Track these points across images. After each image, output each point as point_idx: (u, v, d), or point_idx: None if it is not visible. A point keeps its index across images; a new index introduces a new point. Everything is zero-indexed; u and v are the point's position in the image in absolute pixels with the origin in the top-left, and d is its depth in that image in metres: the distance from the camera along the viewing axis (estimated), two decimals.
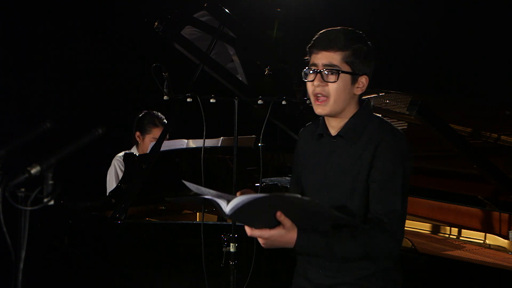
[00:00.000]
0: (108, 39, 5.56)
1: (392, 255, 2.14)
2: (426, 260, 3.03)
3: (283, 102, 3.31)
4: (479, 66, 4.93)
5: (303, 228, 2.01)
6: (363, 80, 2.19)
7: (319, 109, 2.19)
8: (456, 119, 3.50)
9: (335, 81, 2.14)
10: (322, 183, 2.21)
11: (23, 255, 1.60)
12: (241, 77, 4.13)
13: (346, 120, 2.21)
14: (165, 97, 3.42)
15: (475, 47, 4.97)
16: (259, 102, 3.37)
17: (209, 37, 3.89)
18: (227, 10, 3.91)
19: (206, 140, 3.30)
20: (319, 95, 2.17)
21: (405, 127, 3.82)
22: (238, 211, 1.88)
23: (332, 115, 2.21)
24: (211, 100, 3.37)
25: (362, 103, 2.24)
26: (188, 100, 3.38)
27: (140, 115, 4.47)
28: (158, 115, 4.44)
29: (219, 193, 1.94)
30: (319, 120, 2.30)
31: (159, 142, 3.77)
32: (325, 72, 2.14)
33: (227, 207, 1.89)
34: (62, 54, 5.45)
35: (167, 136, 4.07)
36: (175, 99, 3.46)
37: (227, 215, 1.91)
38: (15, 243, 1.62)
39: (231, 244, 3.19)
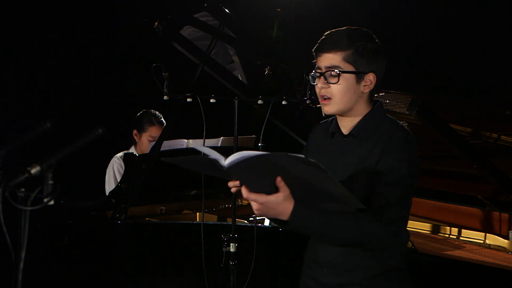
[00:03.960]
0: (108, 39, 5.56)
1: (383, 245, 2.11)
2: (424, 260, 3.03)
3: (283, 102, 3.31)
4: (479, 66, 4.93)
5: (300, 201, 1.96)
6: (370, 78, 2.19)
7: (325, 108, 2.21)
8: (456, 119, 3.49)
9: (337, 82, 2.16)
10: None
11: (23, 255, 1.60)
12: (241, 77, 4.13)
13: (358, 119, 2.22)
14: (165, 97, 3.42)
15: (475, 47, 4.97)
16: (259, 102, 3.37)
17: (209, 37, 3.89)
18: (227, 10, 3.91)
19: (206, 140, 3.30)
20: (324, 96, 2.19)
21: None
22: (238, 166, 1.81)
23: (341, 114, 2.22)
24: (211, 100, 3.37)
25: (375, 103, 2.25)
26: (188, 100, 3.39)
27: (139, 114, 4.51)
28: (155, 113, 4.47)
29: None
30: (333, 119, 2.31)
31: (159, 142, 3.77)
32: (328, 74, 2.16)
33: (226, 160, 1.82)
34: (62, 53, 5.45)
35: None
36: (175, 99, 3.46)
37: (225, 168, 1.84)
38: (15, 243, 1.61)
39: (231, 244, 3.19)
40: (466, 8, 5.00)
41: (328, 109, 2.20)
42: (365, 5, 5.21)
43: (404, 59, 5.19)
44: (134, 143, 4.50)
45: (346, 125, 2.24)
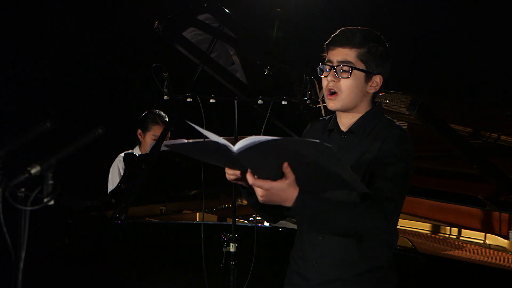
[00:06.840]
0: (108, 39, 5.56)
1: (380, 236, 2.12)
2: (424, 260, 3.03)
3: (283, 102, 3.31)
4: (479, 66, 4.94)
5: (304, 189, 1.94)
6: (377, 80, 2.21)
7: (330, 104, 2.21)
8: (456, 119, 3.50)
9: (348, 78, 2.17)
10: None
11: (23, 255, 1.60)
12: (241, 77, 4.13)
13: (357, 117, 2.23)
14: (165, 97, 3.42)
15: (476, 47, 4.98)
16: (259, 102, 3.37)
17: (209, 37, 3.89)
18: (227, 10, 3.91)
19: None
20: (332, 90, 2.20)
21: (405, 127, 3.82)
22: (248, 151, 1.76)
23: (343, 111, 2.23)
24: (211, 100, 3.37)
25: (375, 104, 2.27)
26: (188, 100, 3.39)
27: (143, 114, 4.53)
28: (159, 113, 4.50)
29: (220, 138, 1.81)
30: (331, 117, 2.31)
31: (159, 142, 3.77)
32: (339, 68, 2.18)
33: (235, 145, 1.77)
34: (62, 53, 5.45)
35: (168, 136, 4.08)
36: (175, 99, 3.46)
37: (234, 154, 1.79)
38: (15, 243, 1.61)
39: (231, 244, 3.19)
40: (466, 8, 5.00)
41: (333, 104, 2.21)
42: (365, 5, 5.22)
43: (404, 59, 5.19)
44: (138, 143, 4.52)
45: (345, 122, 2.25)
